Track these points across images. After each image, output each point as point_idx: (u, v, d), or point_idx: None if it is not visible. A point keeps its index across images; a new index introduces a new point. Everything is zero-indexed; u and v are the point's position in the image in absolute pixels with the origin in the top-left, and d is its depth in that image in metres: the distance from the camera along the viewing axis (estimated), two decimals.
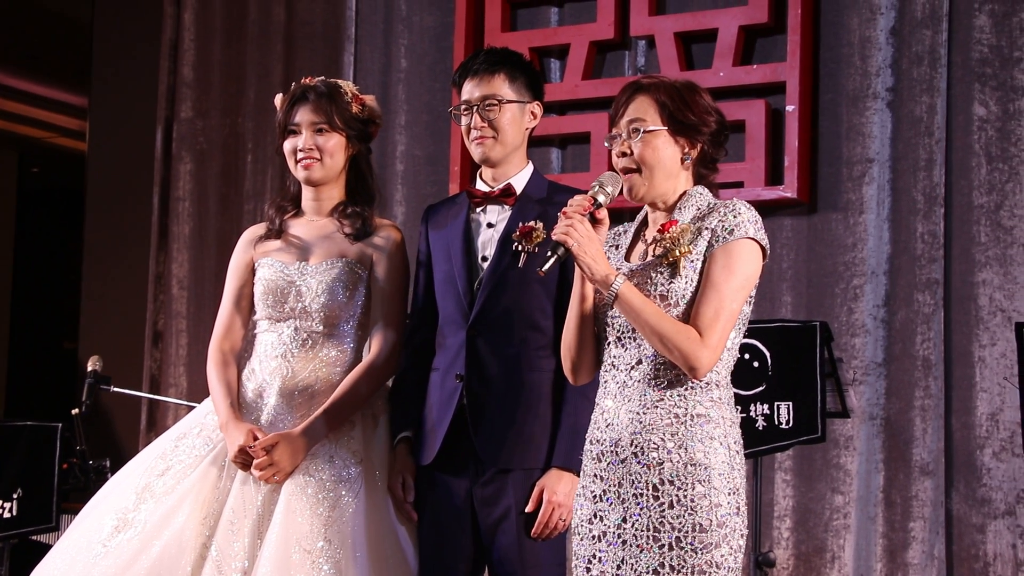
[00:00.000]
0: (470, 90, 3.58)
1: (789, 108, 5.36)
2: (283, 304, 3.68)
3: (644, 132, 3.03)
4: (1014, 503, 4.95)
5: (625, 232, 3.18)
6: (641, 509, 2.95)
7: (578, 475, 3.27)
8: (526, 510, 3.44)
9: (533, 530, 3.43)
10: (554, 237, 2.95)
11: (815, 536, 5.26)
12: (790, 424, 4.52)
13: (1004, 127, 5.08)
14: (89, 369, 4.95)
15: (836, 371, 4.64)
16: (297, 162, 3.71)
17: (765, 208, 5.34)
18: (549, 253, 2.95)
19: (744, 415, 4.48)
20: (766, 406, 4.53)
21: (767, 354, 4.53)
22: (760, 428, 4.52)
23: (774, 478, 5.30)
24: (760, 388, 4.53)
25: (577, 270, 3.02)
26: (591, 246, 2.95)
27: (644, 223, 3.16)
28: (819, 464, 5.26)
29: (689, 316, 2.95)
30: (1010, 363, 4.91)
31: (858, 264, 5.26)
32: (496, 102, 3.55)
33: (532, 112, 3.63)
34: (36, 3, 8.33)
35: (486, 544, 3.51)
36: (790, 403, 4.52)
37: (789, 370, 4.52)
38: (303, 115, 3.71)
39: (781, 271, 5.40)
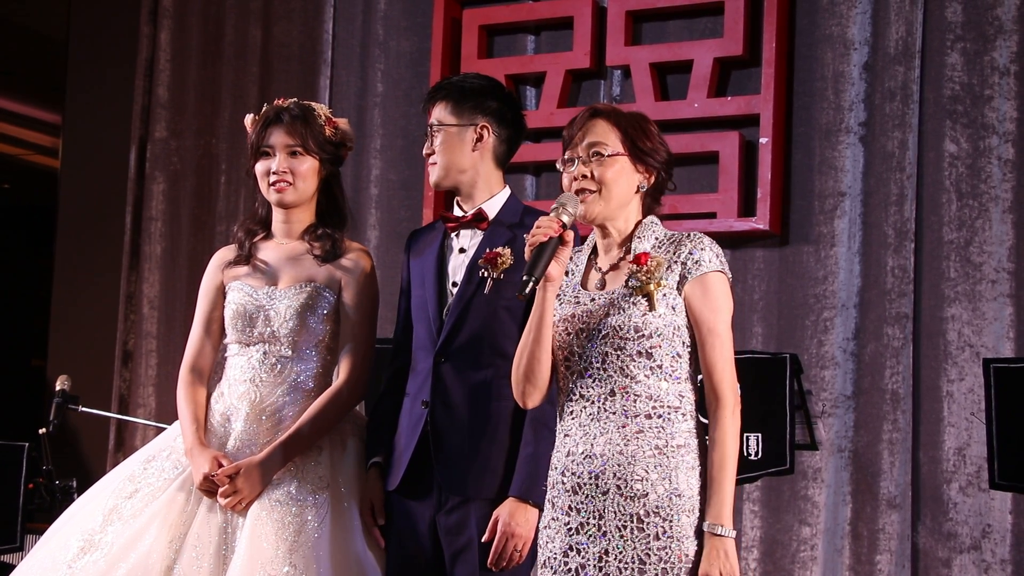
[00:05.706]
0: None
1: (762, 140, 5.38)
2: (252, 328, 3.67)
3: (607, 156, 3.06)
4: (980, 537, 4.97)
5: (575, 258, 3.18)
6: (625, 541, 2.94)
7: (536, 506, 3.27)
8: (483, 539, 3.40)
9: (488, 560, 3.38)
10: (528, 257, 2.96)
11: (782, 567, 5.26)
12: (759, 455, 4.53)
13: (975, 164, 5.12)
14: (57, 388, 4.90)
15: (805, 403, 4.65)
16: (270, 184, 3.70)
17: (737, 239, 5.37)
18: (525, 277, 2.94)
19: None
20: None
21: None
22: None
23: (742, 509, 5.31)
24: None
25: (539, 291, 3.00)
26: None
27: (593, 251, 3.17)
28: (787, 496, 5.27)
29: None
30: (978, 398, 4.94)
31: (828, 297, 5.29)
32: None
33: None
34: (11, 19, 8.30)
35: (448, 573, 3.48)
36: (759, 434, 4.53)
37: (758, 402, 4.53)
38: (277, 137, 3.69)
39: (752, 302, 5.41)
